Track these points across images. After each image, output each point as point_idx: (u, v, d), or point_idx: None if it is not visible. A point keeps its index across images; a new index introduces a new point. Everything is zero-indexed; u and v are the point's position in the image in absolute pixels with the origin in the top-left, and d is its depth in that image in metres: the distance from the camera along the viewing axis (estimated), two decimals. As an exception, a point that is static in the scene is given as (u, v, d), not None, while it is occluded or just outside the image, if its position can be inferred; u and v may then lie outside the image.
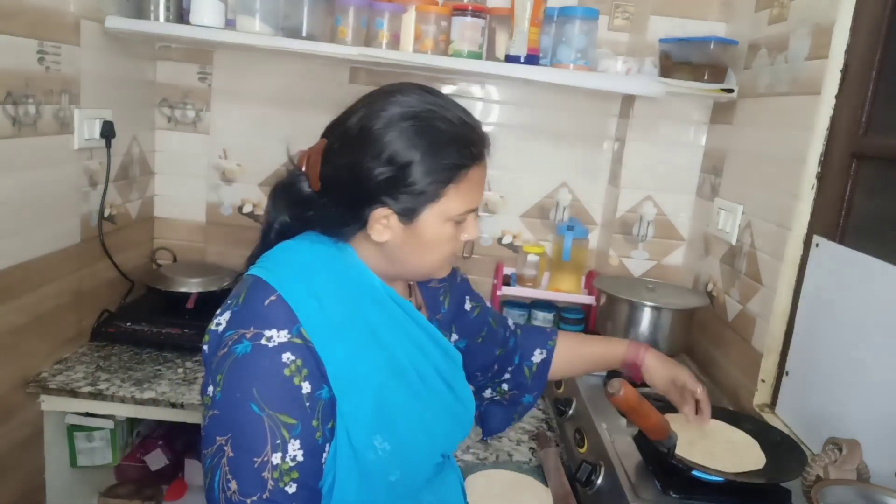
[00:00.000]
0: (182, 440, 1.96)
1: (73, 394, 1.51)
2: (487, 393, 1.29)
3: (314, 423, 0.81)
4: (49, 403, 1.54)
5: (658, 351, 1.26)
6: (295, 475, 0.79)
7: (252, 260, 0.94)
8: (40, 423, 1.57)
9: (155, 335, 1.74)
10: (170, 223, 2.10)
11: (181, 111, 2.04)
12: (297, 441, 0.79)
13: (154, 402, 1.51)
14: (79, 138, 1.58)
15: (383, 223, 0.88)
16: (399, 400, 0.89)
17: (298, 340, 0.81)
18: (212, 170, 2.07)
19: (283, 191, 0.95)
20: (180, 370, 1.65)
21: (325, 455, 0.84)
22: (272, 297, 0.83)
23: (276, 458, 0.78)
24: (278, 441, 0.78)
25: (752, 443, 1.22)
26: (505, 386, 1.28)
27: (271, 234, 0.96)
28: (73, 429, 1.68)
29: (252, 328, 0.81)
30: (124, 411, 1.55)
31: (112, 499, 1.80)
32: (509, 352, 1.25)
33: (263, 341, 0.80)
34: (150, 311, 1.81)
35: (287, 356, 0.80)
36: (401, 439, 0.88)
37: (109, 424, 1.70)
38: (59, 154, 1.54)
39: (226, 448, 0.78)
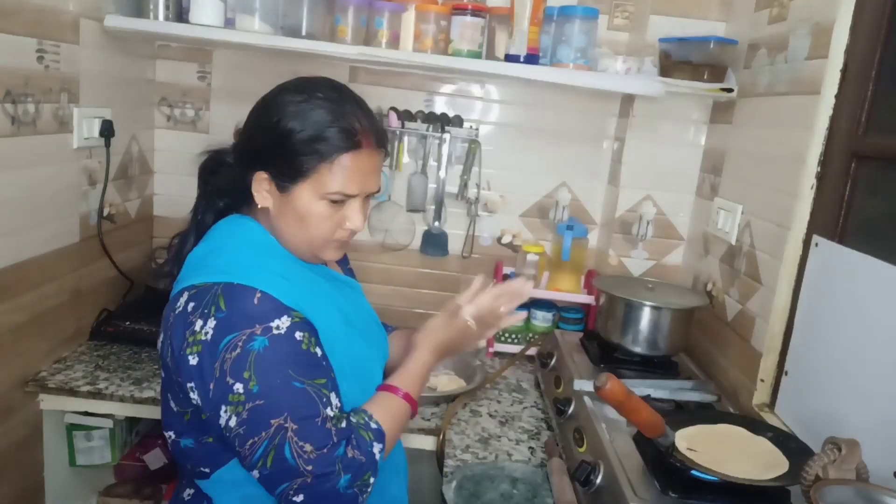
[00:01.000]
0: (181, 439, 1.96)
1: (73, 393, 1.51)
2: None
3: (332, 374, 0.99)
4: (48, 402, 1.54)
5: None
6: (343, 415, 0.97)
7: (176, 259, 1.07)
8: (39, 423, 1.57)
9: (154, 334, 1.69)
10: (169, 222, 2.10)
11: (180, 110, 2.04)
12: (333, 393, 0.97)
13: (153, 402, 1.51)
14: (78, 137, 1.58)
15: (265, 187, 1.00)
16: (357, 345, 1.06)
17: (298, 318, 0.95)
18: (211, 169, 2.06)
19: (211, 159, 1.11)
20: (179, 369, 1.65)
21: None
22: (257, 295, 0.93)
23: (329, 412, 0.94)
24: (324, 399, 0.94)
25: (774, 450, 1.20)
26: None
27: (201, 210, 1.12)
28: (72, 428, 1.67)
29: (257, 325, 0.91)
30: (123, 410, 1.55)
31: (111, 498, 1.80)
32: None
33: (275, 332, 0.92)
34: (150, 311, 1.81)
35: (298, 334, 0.94)
36: (364, 377, 1.07)
37: (108, 423, 1.70)
38: (58, 153, 1.54)
39: (286, 425, 0.91)
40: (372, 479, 0.96)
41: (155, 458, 1.86)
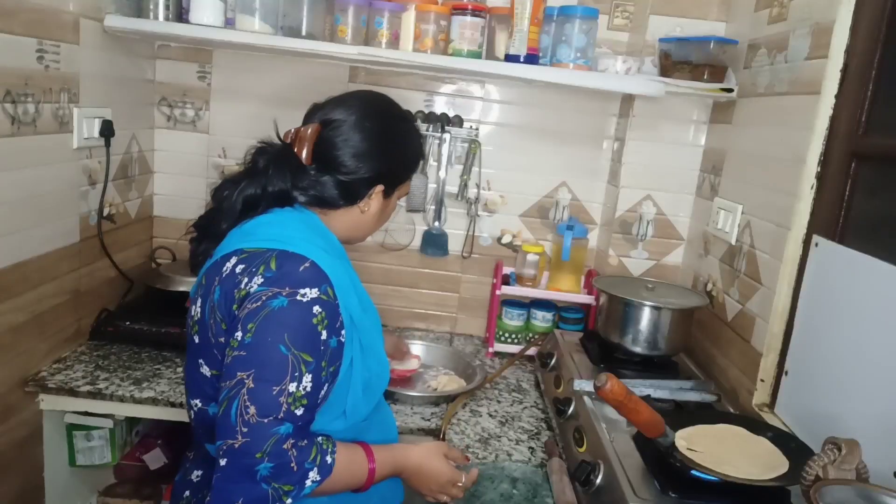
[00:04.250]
0: (181, 439, 1.96)
1: (72, 393, 1.51)
2: None
3: (323, 363, 1.00)
4: (48, 402, 1.54)
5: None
6: (304, 401, 0.96)
7: (222, 225, 1.10)
8: (39, 423, 1.57)
9: (154, 334, 1.74)
10: (169, 222, 2.10)
11: (180, 110, 2.04)
12: (310, 375, 0.97)
13: (153, 402, 1.51)
14: (78, 137, 1.58)
15: (374, 197, 1.14)
16: (372, 330, 1.13)
17: (325, 297, 1.00)
18: (211, 169, 2.07)
19: (285, 157, 1.10)
20: (179, 369, 1.65)
21: (323, 391, 1.02)
22: (306, 265, 1.00)
23: (292, 387, 0.95)
24: (297, 374, 0.95)
25: (774, 450, 1.20)
26: None
27: (260, 204, 1.11)
28: (72, 428, 1.67)
29: (287, 287, 0.97)
30: (123, 410, 1.55)
31: (111, 498, 1.80)
32: None
33: (299, 297, 0.97)
34: (150, 311, 1.81)
35: (317, 308, 0.98)
36: (378, 357, 1.14)
37: (108, 424, 1.70)
38: (58, 153, 1.54)
39: (246, 381, 0.93)
40: (289, 501, 0.93)
41: (155, 458, 1.86)
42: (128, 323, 1.75)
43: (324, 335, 0.99)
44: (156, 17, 1.67)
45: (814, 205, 1.37)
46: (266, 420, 0.92)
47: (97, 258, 1.74)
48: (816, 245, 1.33)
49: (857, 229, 1.29)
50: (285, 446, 0.93)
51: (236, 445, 0.91)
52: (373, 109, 1.14)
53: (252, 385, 0.93)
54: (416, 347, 1.88)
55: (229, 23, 1.69)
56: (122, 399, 1.51)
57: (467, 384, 1.71)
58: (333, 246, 1.11)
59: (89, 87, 1.62)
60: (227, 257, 1.03)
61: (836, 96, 1.32)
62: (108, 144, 1.69)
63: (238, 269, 1.01)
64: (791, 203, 1.39)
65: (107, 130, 1.67)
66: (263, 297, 0.96)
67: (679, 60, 1.76)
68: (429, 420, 1.55)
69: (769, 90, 1.56)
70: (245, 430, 0.91)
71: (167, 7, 1.68)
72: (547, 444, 1.47)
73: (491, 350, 2.00)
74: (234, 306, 0.99)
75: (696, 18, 1.84)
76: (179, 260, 2.09)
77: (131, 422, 1.84)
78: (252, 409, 0.91)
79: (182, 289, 1.83)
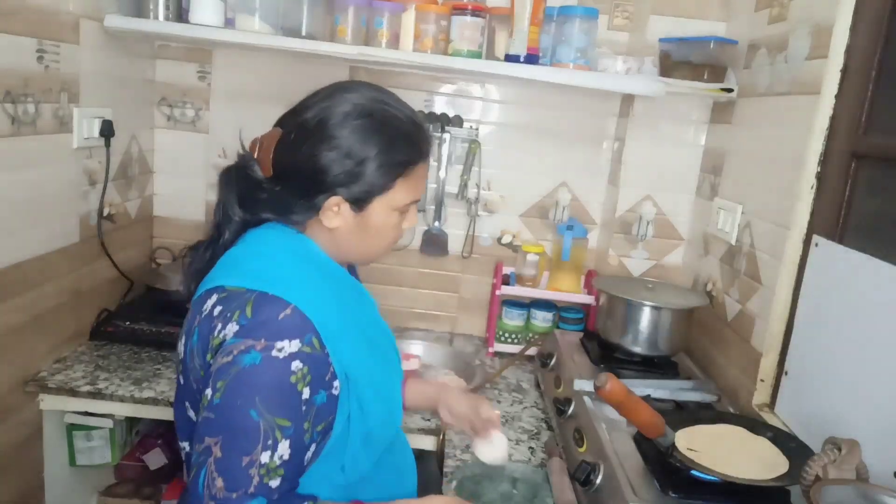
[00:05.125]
0: (181, 439, 1.96)
1: (73, 393, 1.51)
2: None
3: (305, 424, 0.88)
4: (48, 402, 1.54)
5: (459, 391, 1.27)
6: (281, 471, 0.86)
7: (205, 259, 1.01)
8: (39, 423, 1.57)
9: (154, 334, 1.74)
10: (169, 222, 2.10)
11: (180, 110, 2.04)
12: (288, 441, 0.86)
13: (153, 402, 1.51)
14: (78, 137, 1.58)
15: (335, 210, 0.97)
16: (378, 371, 1.01)
17: (308, 349, 0.87)
18: (211, 169, 2.07)
19: (236, 172, 1.01)
20: (179, 369, 1.65)
21: (308, 452, 0.91)
22: (287, 311, 0.88)
23: (264, 458, 0.84)
24: (270, 442, 0.84)
25: (773, 450, 1.20)
26: None
27: (225, 231, 1.01)
28: (72, 428, 1.67)
29: (263, 340, 0.86)
30: (123, 410, 1.55)
31: (111, 498, 1.80)
32: None
33: (274, 353, 0.85)
34: (150, 311, 1.81)
35: (296, 364, 0.86)
36: (386, 402, 1.02)
37: (108, 423, 1.70)
38: (58, 153, 1.54)
39: (214, 449, 0.84)
40: None
41: (155, 458, 1.86)
42: (128, 323, 1.75)
43: (305, 394, 0.87)
44: (156, 17, 1.67)
45: (814, 205, 1.37)
46: (234, 495, 0.82)
47: (97, 258, 1.74)
48: (816, 245, 1.33)
49: (857, 229, 1.29)
50: None
51: None
52: (332, 108, 0.96)
53: (219, 454, 0.83)
54: (417, 347, 1.88)
55: (229, 23, 1.69)
56: (122, 399, 1.51)
57: (467, 384, 1.71)
58: (330, 276, 1.00)
59: (89, 87, 1.62)
60: (209, 293, 0.93)
61: (836, 96, 1.32)
62: (108, 144, 1.69)
63: (216, 312, 0.90)
64: (791, 203, 1.39)
65: (107, 130, 1.67)
66: (235, 352, 0.85)
67: (679, 60, 1.76)
68: (429, 420, 1.55)
69: (769, 90, 1.56)
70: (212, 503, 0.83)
71: (167, 7, 1.68)
72: (547, 444, 1.47)
73: (491, 350, 2.00)
74: (209, 355, 0.89)
75: (696, 18, 1.84)
76: (179, 260, 2.09)
77: (131, 422, 1.84)
78: (219, 482, 0.83)
79: (182, 289, 1.83)
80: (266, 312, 0.87)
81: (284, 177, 0.97)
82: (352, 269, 1.18)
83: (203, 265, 1.01)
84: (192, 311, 0.96)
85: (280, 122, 1.01)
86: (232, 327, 0.87)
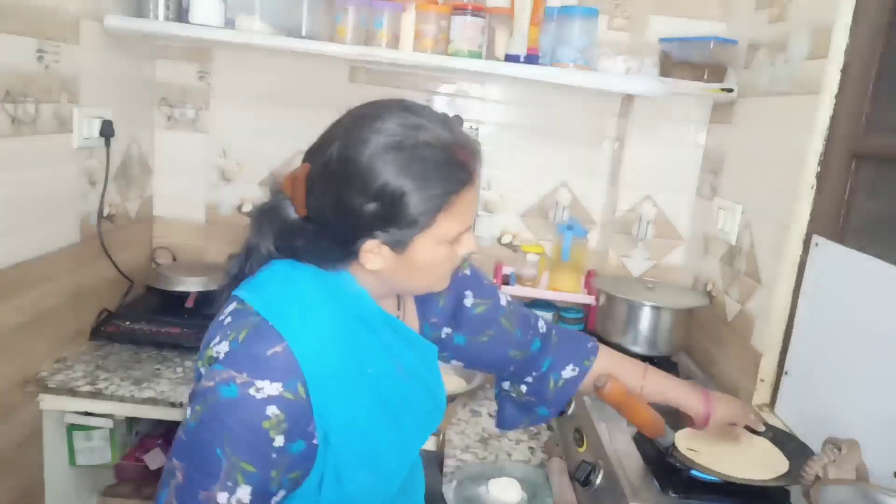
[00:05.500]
0: (181, 439, 1.96)
1: (73, 393, 1.51)
2: (506, 385, 1.22)
3: (273, 473, 0.81)
4: (48, 402, 1.54)
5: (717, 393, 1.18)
6: None
7: (236, 279, 0.92)
8: (39, 423, 1.57)
9: (154, 334, 1.74)
10: (169, 222, 2.10)
11: (180, 110, 2.04)
12: (249, 487, 0.80)
13: (153, 402, 1.51)
14: (78, 137, 1.58)
15: (374, 252, 0.86)
16: (382, 433, 0.90)
17: (290, 396, 0.80)
18: (211, 169, 2.07)
19: (269, 214, 0.90)
20: (179, 369, 1.65)
21: (276, 497, 0.84)
22: (277, 349, 0.81)
23: (221, 498, 0.79)
24: (230, 483, 0.79)
25: (774, 450, 1.20)
26: (524, 388, 1.19)
27: (253, 262, 0.93)
28: (72, 428, 1.67)
29: (245, 374, 0.79)
30: (123, 410, 1.55)
31: (111, 498, 1.80)
32: (533, 356, 1.17)
33: (252, 391, 0.78)
34: (150, 311, 1.81)
35: (272, 410, 0.79)
36: (381, 468, 0.91)
37: (108, 424, 1.70)
38: (58, 153, 1.54)
39: (178, 473, 0.81)
40: None
41: (155, 458, 1.86)
42: (128, 323, 1.75)
43: (278, 441, 0.80)
44: (156, 17, 1.67)
45: (814, 205, 1.37)
46: None
47: (97, 258, 1.74)
48: (816, 245, 1.33)
49: (857, 229, 1.29)
50: None
51: None
52: (357, 144, 0.83)
53: (181, 481, 0.81)
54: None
55: (229, 23, 1.69)
56: (122, 399, 1.51)
57: (467, 384, 1.71)
58: (359, 317, 0.90)
59: (89, 87, 1.62)
60: (234, 298, 0.89)
61: (836, 96, 1.32)
62: (108, 144, 1.69)
63: (225, 322, 0.86)
64: (791, 203, 1.39)
65: (107, 130, 1.67)
66: (217, 379, 0.80)
67: (679, 60, 1.76)
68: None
69: (769, 90, 1.56)
70: None
71: (167, 7, 1.68)
72: (547, 445, 1.47)
73: (491, 350, 1.99)
74: (199, 362, 0.86)
75: (696, 18, 1.84)
76: (179, 260, 2.09)
77: (131, 422, 1.84)
78: None
79: (182, 289, 1.83)
80: (256, 345, 0.81)
81: (318, 219, 0.87)
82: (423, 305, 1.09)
83: (226, 287, 0.94)
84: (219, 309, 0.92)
85: (307, 156, 0.89)
86: (223, 346, 0.83)
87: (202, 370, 0.85)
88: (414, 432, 0.99)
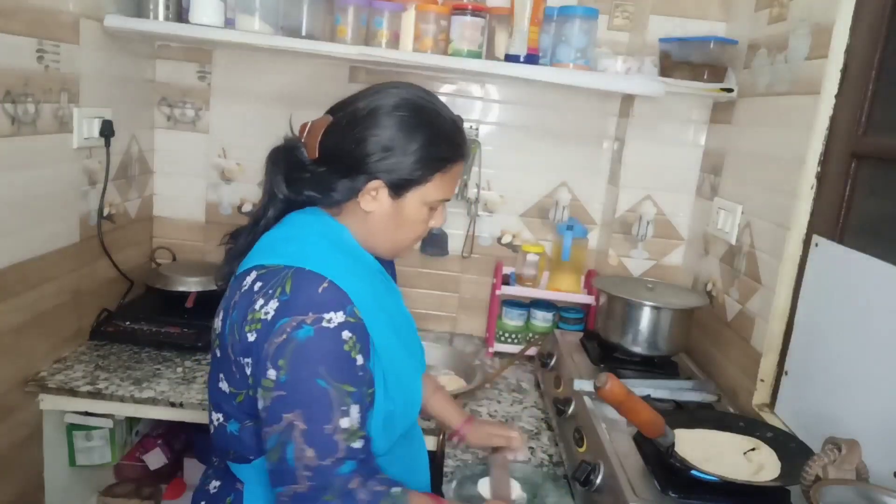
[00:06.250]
0: (181, 439, 1.96)
1: (73, 393, 1.51)
2: None
3: (364, 388, 0.94)
4: (48, 402, 1.54)
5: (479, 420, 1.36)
6: (361, 433, 0.93)
7: (247, 242, 1.05)
8: (39, 423, 1.57)
9: (154, 334, 1.74)
10: (169, 222, 2.10)
11: (180, 110, 2.04)
12: (357, 406, 0.92)
13: (153, 402, 1.51)
14: (78, 137, 1.58)
15: (373, 194, 1.01)
16: (402, 357, 1.04)
17: (352, 319, 0.92)
18: (211, 169, 2.07)
19: (284, 153, 1.04)
20: (179, 369, 1.65)
21: (369, 415, 0.96)
22: (324, 284, 0.92)
23: (344, 423, 0.90)
24: (344, 408, 0.90)
25: (767, 451, 1.20)
26: None
27: (270, 207, 1.05)
28: (72, 428, 1.67)
29: (311, 313, 0.90)
30: (123, 410, 1.55)
31: (111, 498, 1.80)
32: None
33: (325, 324, 0.90)
34: (150, 311, 1.81)
35: (346, 333, 0.91)
36: (406, 389, 1.04)
37: (108, 424, 1.70)
38: (58, 153, 1.54)
39: (296, 423, 0.89)
40: None
41: (155, 458, 1.86)
42: (128, 323, 1.75)
43: (359, 360, 0.93)
44: (156, 17, 1.67)
45: (814, 205, 1.37)
46: (328, 462, 0.89)
47: (97, 258, 1.74)
48: (816, 245, 1.33)
49: (857, 229, 1.29)
50: (352, 485, 0.90)
51: (301, 490, 0.89)
52: (383, 99, 1.01)
53: (304, 426, 0.89)
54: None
55: (229, 23, 1.69)
56: (122, 399, 1.51)
57: (467, 384, 1.71)
58: (360, 262, 1.04)
59: (89, 87, 1.62)
60: (247, 272, 0.98)
61: (836, 96, 1.32)
62: (108, 144, 1.69)
63: (256, 287, 0.95)
64: (791, 203, 1.39)
65: (107, 130, 1.67)
66: (288, 329, 0.90)
67: (679, 60, 1.76)
68: (429, 420, 1.54)
69: (769, 90, 1.56)
70: (308, 474, 0.89)
71: (167, 7, 1.68)
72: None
73: (491, 350, 2.00)
74: (247, 327, 0.93)
75: (696, 18, 1.84)
76: (179, 260, 2.09)
77: (131, 422, 1.85)
78: (310, 452, 0.88)
79: (182, 289, 1.83)
80: (305, 288, 0.92)
81: (330, 159, 1.01)
82: (387, 267, 1.20)
83: (245, 247, 1.05)
84: (231, 289, 1.01)
85: (331, 111, 1.05)
86: (273, 304, 0.92)
87: (249, 336, 0.93)
88: (417, 360, 1.13)
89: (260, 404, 0.92)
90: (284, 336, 0.90)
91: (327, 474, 0.89)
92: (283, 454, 0.90)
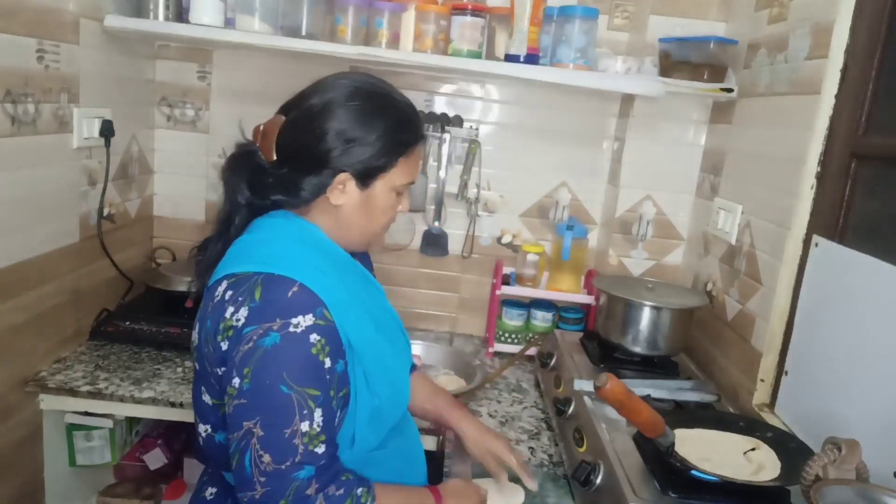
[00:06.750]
0: (181, 439, 1.96)
1: (73, 393, 1.51)
2: None
3: (331, 392, 0.93)
4: (48, 402, 1.54)
5: (479, 422, 1.29)
6: (322, 437, 0.91)
7: (216, 252, 1.05)
8: (39, 423, 1.57)
9: (154, 334, 1.74)
10: (169, 222, 2.10)
11: (180, 110, 2.04)
12: (320, 409, 0.91)
13: (153, 402, 1.51)
14: (78, 137, 1.58)
15: (341, 188, 1.01)
16: (385, 351, 1.04)
17: (321, 321, 0.92)
18: (211, 169, 2.07)
19: (242, 159, 1.04)
20: (179, 369, 1.65)
21: (337, 419, 0.96)
22: (294, 288, 0.92)
23: (304, 427, 0.89)
24: (305, 412, 0.89)
25: (767, 451, 1.20)
26: None
27: (234, 214, 1.05)
28: (72, 428, 1.67)
29: (278, 320, 0.90)
30: (123, 410, 1.55)
31: (111, 498, 1.80)
32: None
33: (292, 329, 0.90)
34: (150, 311, 1.81)
35: (314, 336, 0.91)
36: (393, 382, 1.05)
37: (108, 423, 1.70)
38: (58, 153, 1.54)
39: (254, 430, 0.88)
40: None
41: (155, 458, 1.86)
42: (128, 323, 1.75)
43: (327, 363, 0.93)
44: (156, 17, 1.67)
45: (814, 205, 1.37)
46: (283, 466, 0.88)
47: (97, 258, 1.74)
48: (816, 245, 1.33)
49: (857, 229, 1.29)
50: (308, 491, 0.89)
51: (257, 497, 0.88)
52: (336, 91, 1.01)
53: (261, 433, 0.88)
54: (417, 347, 1.88)
55: (229, 23, 1.69)
56: (122, 399, 1.51)
57: (467, 384, 1.71)
58: (335, 260, 1.03)
59: (89, 87, 1.62)
60: (219, 282, 0.98)
61: (836, 96, 1.32)
62: (108, 144, 1.69)
63: (227, 296, 0.94)
64: (791, 203, 1.39)
65: (107, 130, 1.67)
66: (255, 338, 0.89)
67: (679, 60, 1.76)
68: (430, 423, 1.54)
69: (769, 90, 1.56)
70: (263, 479, 0.88)
71: (167, 7, 1.68)
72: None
73: (491, 350, 2.00)
74: (219, 337, 0.94)
75: (696, 18, 1.84)
76: (179, 260, 2.09)
77: (131, 422, 1.84)
78: (266, 458, 0.88)
79: (182, 289, 1.83)
80: (275, 293, 0.91)
81: (291, 159, 1.01)
82: (363, 262, 1.21)
83: (214, 258, 1.05)
84: (204, 300, 1.01)
85: (283, 110, 1.05)
86: (243, 312, 0.91)
87: (223, 344, 0.93)
88: (403, 353, 1.14)
89: (227, 412, 0.92)
90: (251, 344, 0.89)
91: (283, 479, 0.88)
92: (241, 461, 0.89)
